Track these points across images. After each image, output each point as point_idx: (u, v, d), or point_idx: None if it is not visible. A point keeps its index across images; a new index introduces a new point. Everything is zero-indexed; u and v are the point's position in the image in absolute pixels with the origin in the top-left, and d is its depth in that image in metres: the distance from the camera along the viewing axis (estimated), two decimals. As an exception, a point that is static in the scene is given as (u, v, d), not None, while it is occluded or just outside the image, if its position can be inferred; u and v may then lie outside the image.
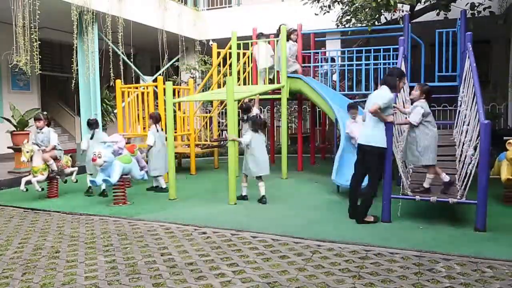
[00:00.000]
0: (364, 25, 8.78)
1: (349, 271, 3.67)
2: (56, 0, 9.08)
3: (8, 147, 8.98)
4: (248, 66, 9.41)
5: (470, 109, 5.52)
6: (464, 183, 5.07)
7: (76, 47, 9.74)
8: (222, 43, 10.17)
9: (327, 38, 11.89)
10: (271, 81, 8.81)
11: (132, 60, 12.36)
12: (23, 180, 6.64)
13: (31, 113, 9.31)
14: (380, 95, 5.03)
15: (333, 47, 11.40)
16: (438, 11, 9.10)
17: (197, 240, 4.58)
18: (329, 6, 9.85)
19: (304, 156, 9.55)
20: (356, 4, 8.27)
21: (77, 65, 9.95)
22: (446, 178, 5.31)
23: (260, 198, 6.30)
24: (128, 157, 6.67)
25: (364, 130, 5.19)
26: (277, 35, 8.81)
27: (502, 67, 12.21)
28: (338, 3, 9.65)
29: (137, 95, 8.97)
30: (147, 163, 7.32)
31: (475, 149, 4.85)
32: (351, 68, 9.13)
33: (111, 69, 10.46)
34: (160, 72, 12.87)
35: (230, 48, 8.65)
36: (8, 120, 9.17)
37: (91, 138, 7.13)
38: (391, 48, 8.50)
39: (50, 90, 14.38)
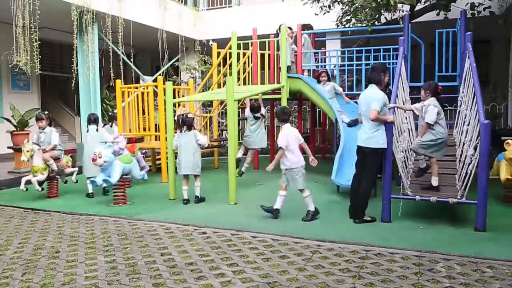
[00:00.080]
0: (364, 25, 8.78)
1: (349, 271, 3.67)
2: (56, 0, 9.09)
3: (8, 147, 8.98)
4: (248, 66, 9.41)
5: (470, 109, 5.52)
6: (464, 183, 5.07)
7: (76, 47, 9.75)
8: (222, 43, 10.17)
9: (327, 38, 11.90)
10: None
11: (132, 60, 12.37)
12: (23, 179, 6.64)
13: (31, 113, 9.31)
14: (372, 97, 5.04)
15: (333, 47, 11.40)
16: (438, 11, 9.11)
17: (197, 240, 4.58)
18: (329, 6, 9.85)
19: (304, 156, 9.52)
20: (356, 4, 8.27)
21: (77, 65, 9.96)
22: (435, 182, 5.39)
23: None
24: (128, 157, 6.67)
25: (363, 132, 5.18)
26: (276, 35, 8.83)
27: (502, 67, 12.21)
28: (338, 3, 9.65)
29: (137, 95, 8.97)
30: None
31: (475, 149, 4.85)
32: (351, 68, 9.13)
33: (111, 69, 10.46)
34: (160, 72, 12.87)
35: (230, 48, 8.65)
36: (8, 120, 9.17)
37: (87, 131, 7.20)
38: (391, 48, 8.50)
39: (50, 90, 14.38)
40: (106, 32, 10.09)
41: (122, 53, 10.75)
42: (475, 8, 9.14)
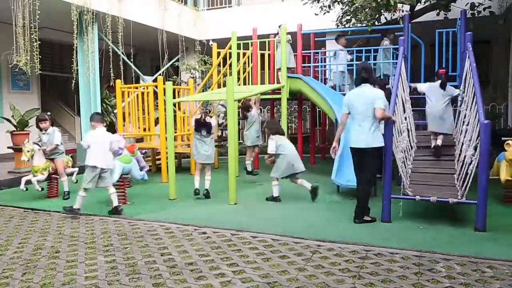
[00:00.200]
0: (364, 25, 8.78)
1: (349, 271, 3.67)
2: (56, 0, 9.08)
3: (8, 147, 8.98)
4: (248, 66, 9.41)
5: (470, 109, 5.53)
6: (464, 183, 5.07)
7: (76, 47, 9.74)
8: (222, 43, 10.17)
9: (327, 38, 11.89)
10: None
11: (132, 60, 12.36)
12: (23, 179, 6.64)
13: (31, 113, 9.31)
14: (375, 96, 5.00)
15: (333, 47, 11.39)
16: (438, 11, 9.10)
17: (197, 240, 4.58)
18: (329, 6, 9.85)
19: (304, 156, 9.53)
20: (356, 4, 8.26)
21: (77, 65, 9.96)
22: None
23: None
24: (128, 157, 6.68)
25: (361, 133, 5.07)
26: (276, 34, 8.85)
27: (502, 67, 12.21)
28: (338, 3, 9.64)
29: (137, 95, 8.97)
30: None
31: (475, 149, 4.85)
32: (351, 68, 9.13)
33: (111, 69, 10.46)
34: (160, 72, 12.87)
35: (230, 48, 8.66)
36: (8, 120, 9.17)
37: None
38: (391, 48, 8.50)
39: (50, 90, 14.38)
40: (106, 32, 10.08)
41: (122, 53, 10.74)
42: (475, 8, 9.14)
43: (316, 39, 10.04)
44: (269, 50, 9.04)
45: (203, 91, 10.27)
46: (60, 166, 6.79)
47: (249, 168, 8.39)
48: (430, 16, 9.41)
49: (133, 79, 11.93)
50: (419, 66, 8.38)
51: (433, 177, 5.83)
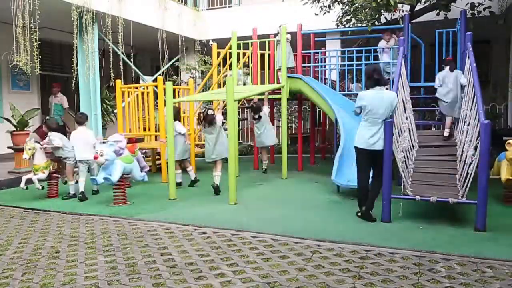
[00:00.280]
0: (364, 25, 8.78)
1: (349, 271, 3.67)
2: (56, 0, 9.08)
3: (8, 147, 8.97)
4: (248, 66, 9.40)
5: (470, 109, 5.53)
6: (465, 183, 5.07)
7: (76, 47, 9.74)
8: (222, 43, 10.17)
9: (327, 38, 11.90)
10: None
11: (132, 60, 12.36)
12: (24, 178, 6.65)
13: (31, 113, 9.31)
14: (394, 99, 5.16)
15: (333, 47, 11.40)
16: (438, 11, 9.10)
17: (197, 240, 4.58)
18: (329, 6, 9.85)
19: (304, 156, 9.55)
20: (356, 4, 8.26)
21: (77, 65, 9.95)
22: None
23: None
24: (129, 157, 6.68)
25: (375, 136, 5.15)
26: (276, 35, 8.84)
27: (502, 67, 12.22)
28: (338, 3, 9.65)
29: (137, 95, 8.97)
30: None
31: (475, 149, 4.85)
32: (351, 68, 9.13)
33: (111, 69, 10.46)
34: (160, 72, 12.87)
35: (230, 48, 8.66)
36: (8, 120, 9.17)
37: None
38: (391, 48, 8.50)
39: (50, 90, 14.36)
40: (106, 32, 10.08)
41: (122, 53, 10.74)
42: (475, 8, 9.14)
43: (316, 39, 10.03)
44: (269, 50, 9.04)
45: (203, 91, 10.27)
46: (68, 170, 6.81)
47: (265, 167, 8.83)
48: (430, 16, 9.41)
49: (133, 79, 11.93)
50: (419, 66, 8.38)
51: (434, 177, 5.83)
